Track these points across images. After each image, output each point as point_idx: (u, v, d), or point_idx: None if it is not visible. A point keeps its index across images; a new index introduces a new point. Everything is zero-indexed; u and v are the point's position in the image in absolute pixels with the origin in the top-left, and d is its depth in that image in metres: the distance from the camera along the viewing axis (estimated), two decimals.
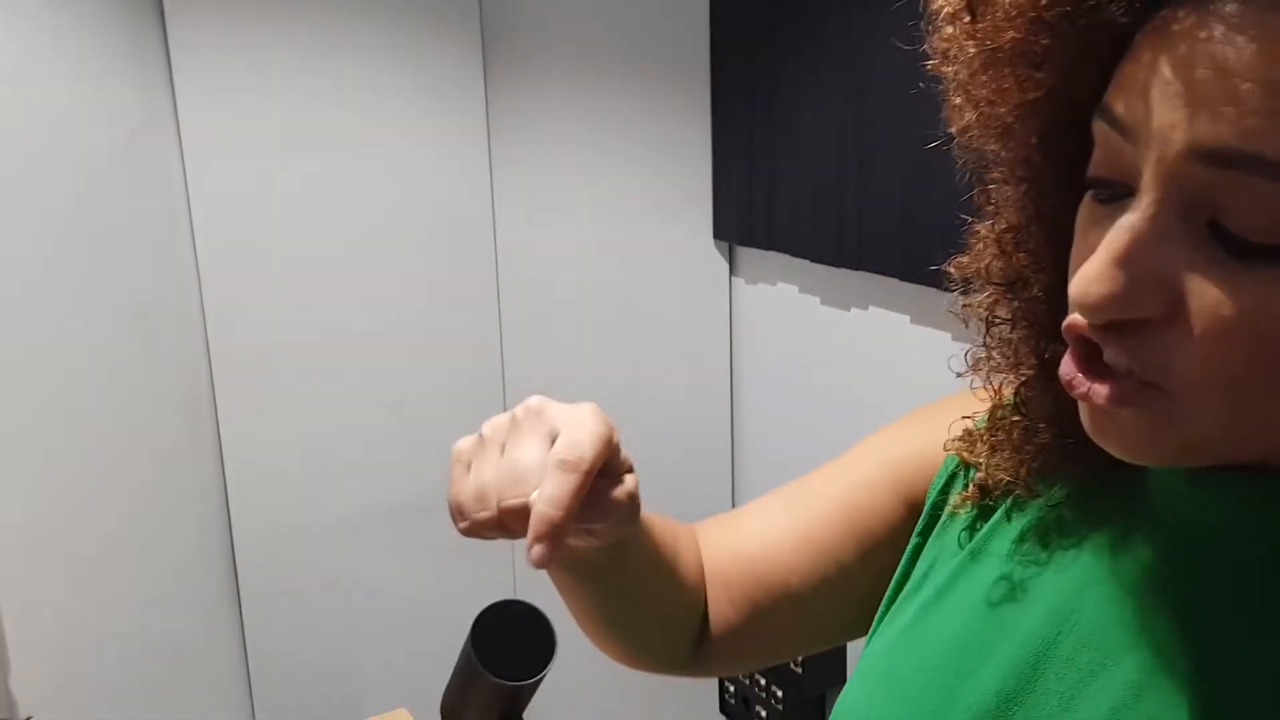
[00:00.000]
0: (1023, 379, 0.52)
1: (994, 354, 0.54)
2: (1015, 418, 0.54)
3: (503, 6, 2.13)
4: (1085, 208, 0.43)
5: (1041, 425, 0.53)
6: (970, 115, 0.47)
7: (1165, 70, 0.38)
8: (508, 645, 0.51)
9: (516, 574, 2.32)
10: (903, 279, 1.83)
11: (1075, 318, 0.42)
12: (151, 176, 1.84)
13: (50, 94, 1.62)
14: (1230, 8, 0.36)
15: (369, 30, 1.99)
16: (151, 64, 1.82)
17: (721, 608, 0.72)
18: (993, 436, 0.56)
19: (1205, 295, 0.38)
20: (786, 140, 2.10)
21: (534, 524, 0.50)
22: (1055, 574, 0.52)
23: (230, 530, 2.03)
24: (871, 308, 2.03)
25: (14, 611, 1.52)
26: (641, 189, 2.35)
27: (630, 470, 0.58)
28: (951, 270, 0.54)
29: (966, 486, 0.59)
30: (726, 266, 2.48)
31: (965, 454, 0.58)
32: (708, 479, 2.57)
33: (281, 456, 2.05)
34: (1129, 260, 0.39)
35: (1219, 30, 0.36)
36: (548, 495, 0.51)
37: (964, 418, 0.59)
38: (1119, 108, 0.40)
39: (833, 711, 0.60)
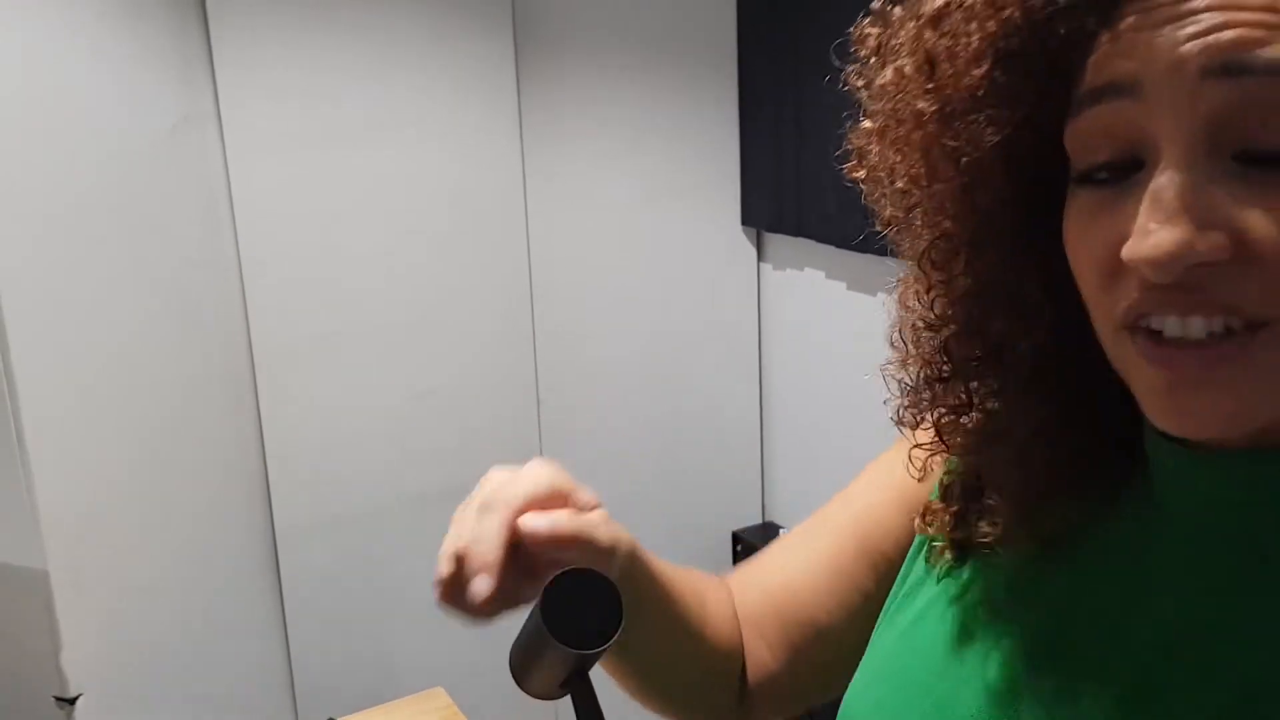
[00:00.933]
0: (1002, 445, 0.51)
1: (947, 438, 0.54)
2: (987, 486, 0.54)
3: (535, 3, 2.15)
4: (1081, 206, 0.44)
5: (1036, 481, 0.51)
6: (927, 191, 0.48)
7: (1160, 21, 0.39)
8: (576, 611, 0.53)
9: None
10: None
11: (1133, 298, 0.42)
12: (194, 170, 1.88)
13: (95, 89, 1.66)
14: None
15: (404, 26, 2.02)
16: (194, 59, 1.85)
17: (759, 654, 0.71)
18: (951, 506, 0.56)
19: (1262, 219, 0.38)
20: (813, 128, 2.11)
21: (468, 561, 0.56)
22: (1056, 572, 0.53)
23: (271, 517, 2.07)
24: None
25: (65, 593, 1.57)
26: (670, 177, 2.36)
27: (596, 507, 0.62)
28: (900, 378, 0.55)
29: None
30: (755, 252, 2.50)
31: (931, 530, 0.57)
32: (738, 460, 2.60)
33: (320, 445, 2.10)
34: (1181, 205, 0.38)
35: None
36: (472, 534, 0.57)
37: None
38: (1115, 76, 0.40)
39: (842, 705, 0.61)
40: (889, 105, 0.48)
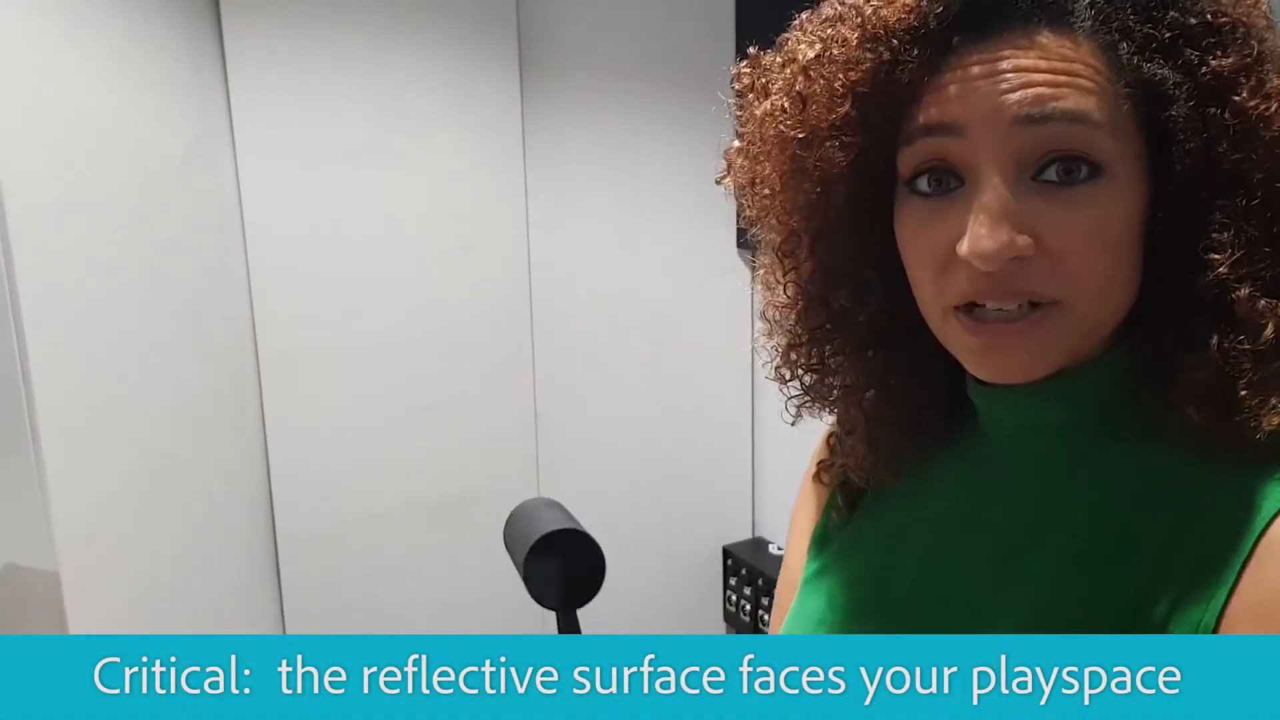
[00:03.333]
0: (856, 396, 0.67)
1: (813, 395, 0.69)
2: (854, 426, 0.69)
3: (539, 26, 2.22)
4: (913, 213, 0.57)
5: (893, 425, 0.67)
6: (789, 197, 0.61)
7: (977, 77, 0.53)
8: (561, 560, 0.60)
9: None
10: None
11: (961, 288, 0.55)
12: (208, 186, 1.93)
13: (117, 110, 1.71)
14: (1005, 40, 0.53)
15: (413, 51, 2.08)
16: (210, 82, 1.91)
17: None
18: (838, 456, 0.72)
19: (1055, 224, 0.53)
20: None
21: None
22: (917, 500, 0.68)
23: (273, 523, 2.12)
24: None
25: (75, 595, 1.61)
26: (668, 199, 2.43)
27: None
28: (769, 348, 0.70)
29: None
30: (749, 273, 2.54)
31: (825, 481, 0.74)
32: (729, 476, 2.65)
33: (322, 453, 2.14)
34: (1002, 214, 0.53)
35: (1005, 49, 0.53)
36: None
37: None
38: (944, 114, 0.54)
39: (784, 623, 0.72)
40: (758, 130, 0.61)
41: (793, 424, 0.71)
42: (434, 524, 2.26)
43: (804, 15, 0.61)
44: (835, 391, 0.68)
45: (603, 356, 2.44)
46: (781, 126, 0.59)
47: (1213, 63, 0.53)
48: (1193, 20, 0.53)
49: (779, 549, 2.61)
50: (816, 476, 0.76)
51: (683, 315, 2.51)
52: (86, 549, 1.64)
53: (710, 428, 2.59)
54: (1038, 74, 0.52)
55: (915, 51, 0.55)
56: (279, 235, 2.03)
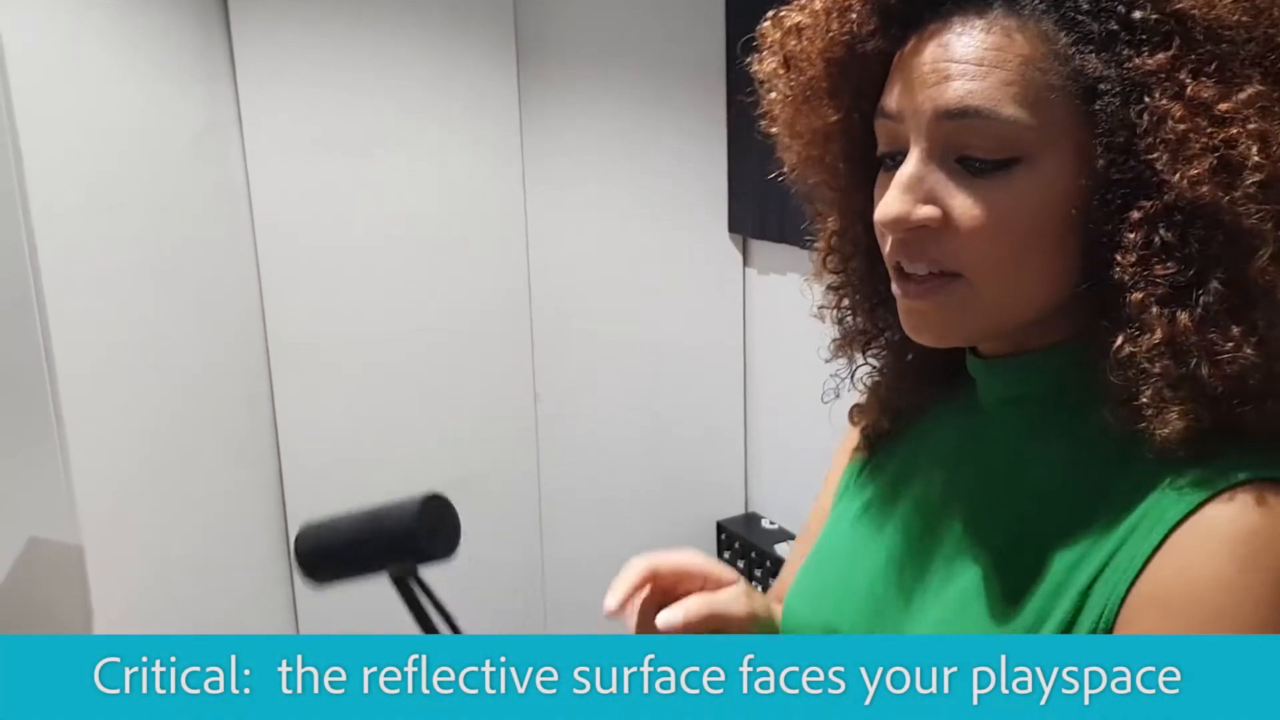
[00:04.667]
0: (862, 343, 0.70)
1: (846, 339, 0.71)
2: (873, 379, 0.72)
3: (536, 19, 2.18)
4: (880, 177, 0.60)
5: (891, 373, 0.71)
6: (797, 151, 0.65)
7: (916, 66, 0.55)
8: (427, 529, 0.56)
9: (544, 541, 2.38)
10: None
11: (889, 250, 0.58)
12: (217, 174, 1.91)
13: (128, 100, 1.69)
14: (956, 19, 0.54)
15: (415, 45, 2.05)
16: (219, 72, 1.88)
17: None
18: (865, 399, 0.75)
19: (962, 202, 0.55)
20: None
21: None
22: (918, 455, 0.70)
23: (284, 503, 2.10)
24: None
25: (98, 569, 1.60)
26: (662, 187, 2.40)
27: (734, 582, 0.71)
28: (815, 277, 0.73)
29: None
30: (740, 258, 2.53)
31: (857, 421, 0.76)
32: (722, 455, 2.63)
33: (330, 440, 2.13)
34: (908, 187, 0.55)
35: (950, 34, 0.54)
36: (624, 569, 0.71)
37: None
38: (890, 103, 0.57)
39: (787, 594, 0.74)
40: (770, 86, 0.65)
41: (835, 399, 0.74)
42: None
43: None
44: (856, 337, 0.70)
45: (599, 339, 2.41)
46: (778, 84, 0.63)
47: (1138, 60, 0.51)
48: (1136, 15, 0.51)
49: (771, 523, 2.60)
50: (849, 416, 0.77)
51: (677, 298, 2.48)
52: (109, 525, 1.63)
53: (704, 406, 2.58)
54: (966, 64, 0.53)
55: (875, 25, 0.57)
56: (286, 224, 2.01)
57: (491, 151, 2.17)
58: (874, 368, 0.72)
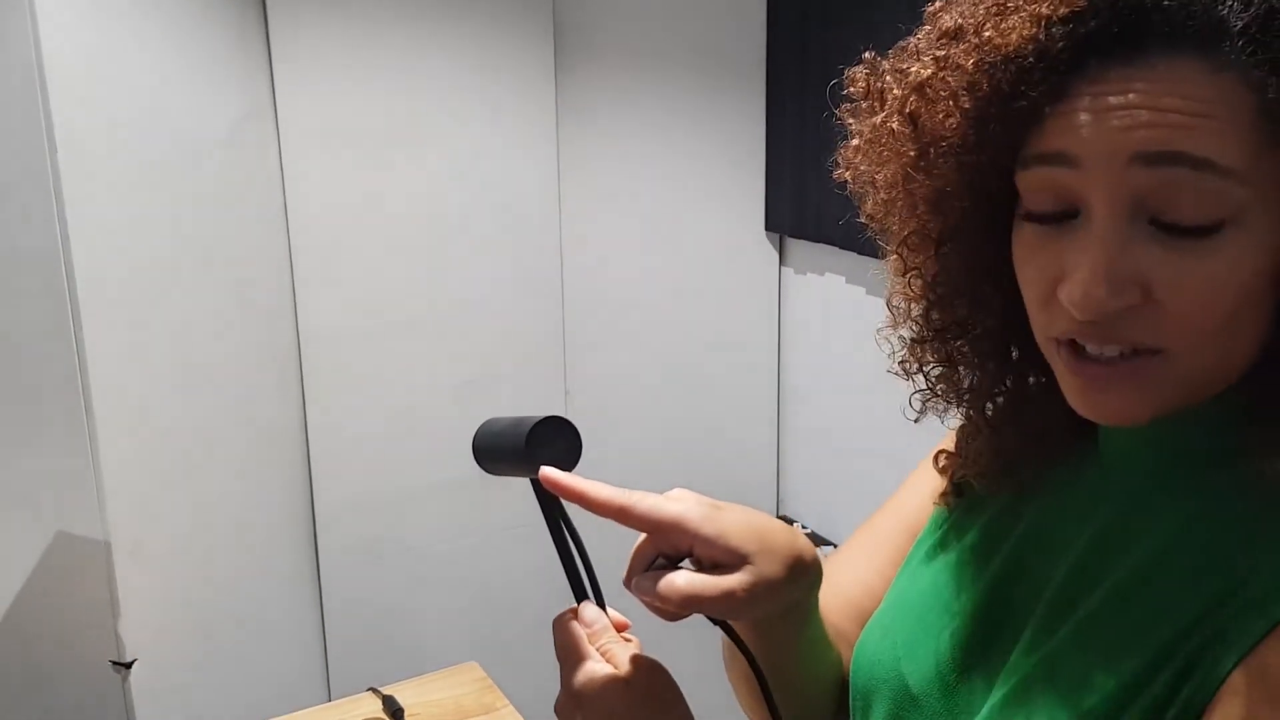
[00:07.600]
0: (980, 401, 0.64)
1: (939, 393, 0.65)
2: (978, 431, 0.65)
3: (574, 14, 2.17)
4: (1025, 238, 0.54)
5: (1007, 428, 0.64)
6: (902, 200, 0.59)
7: (1097, 107, 0.48)
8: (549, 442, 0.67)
9: None
10: None
11: (1063, 327, 0.52)
12: (252, 164, 1.91)
13: (166, 90, 1.69)
14: (1136, 64, 0.47)
15: (451, 35, 2.04)
16: (255, 63, 1.89)
17: (847, 658, 0.74)
18: (963, 450, 0.68)
19: (1167, 275, 0.49)
20: (837, 137, 2.11)
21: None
22: (1024, 512, 0.64)
23: (312, 495, 2.11)
24: None
25: (124, 563, 1.61)
26: (698, 183, 2.38)
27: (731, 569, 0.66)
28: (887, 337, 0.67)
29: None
30: (777, 257, 2.50)
31: (940, 468, 0.70)
32: (755, 457, 2.61)
33: (360, 430, 2.13)
34: (1109, 267, 0.49)
35: (1139, 81, 0.47)
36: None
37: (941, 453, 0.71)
38: (1061, 148, 0.50)
39: (861, 634, 0.70)
40: (874, 137, 0.59)
41: (916, 420, 0.68)
42: (466, 498, 2.24)
43: (924, 20, 0.58)
44: (963, 393, 0.64)
45: (632, 337, 2.40)
46: (895, 142, 0.57)
47: None
48: None
49: (804, 527, 2.57)
50: (935, 460, 0.72)
51: (712, 295, 2.46)
52: (136, 519, 1.64)
53: (737, 406, 2.55)
54: (1167, 110, 0.47)
55: (1036, 78, 0.50)
56: (319, 215, 2.01)
57: (527, 145, 2.16)
58: (987, 426, 0.65)
